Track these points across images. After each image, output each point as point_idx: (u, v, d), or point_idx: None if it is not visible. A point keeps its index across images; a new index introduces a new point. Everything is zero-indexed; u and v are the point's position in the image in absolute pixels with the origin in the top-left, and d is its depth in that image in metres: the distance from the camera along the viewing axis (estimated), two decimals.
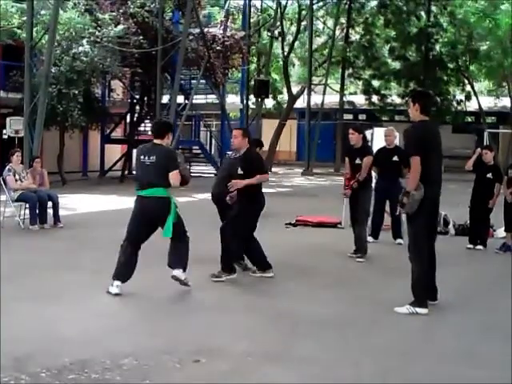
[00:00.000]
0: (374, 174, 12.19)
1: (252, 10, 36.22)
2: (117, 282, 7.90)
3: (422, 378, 5.39)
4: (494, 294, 8.39)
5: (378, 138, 18.68)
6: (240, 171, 8.74)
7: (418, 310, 7.22)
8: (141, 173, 8.08)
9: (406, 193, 7.20)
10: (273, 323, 6.86)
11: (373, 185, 11.79)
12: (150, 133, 25.54)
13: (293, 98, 38.82)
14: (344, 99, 38.39)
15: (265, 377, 5.31)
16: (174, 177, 7.86)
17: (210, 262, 9.24)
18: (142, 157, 8.00)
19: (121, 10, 25.02)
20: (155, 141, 8.12)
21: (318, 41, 41.99)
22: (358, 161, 10.68)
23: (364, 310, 7.41)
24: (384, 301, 7.58)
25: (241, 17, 35.41)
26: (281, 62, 40.57)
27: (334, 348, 6.08)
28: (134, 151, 21.58)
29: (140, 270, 7.98)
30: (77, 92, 22.28)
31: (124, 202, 16.01)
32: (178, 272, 8.00)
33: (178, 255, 8.09)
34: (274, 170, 35.94)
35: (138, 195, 8.05)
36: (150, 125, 28.98)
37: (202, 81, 29.91)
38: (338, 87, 38.51)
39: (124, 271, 7.96)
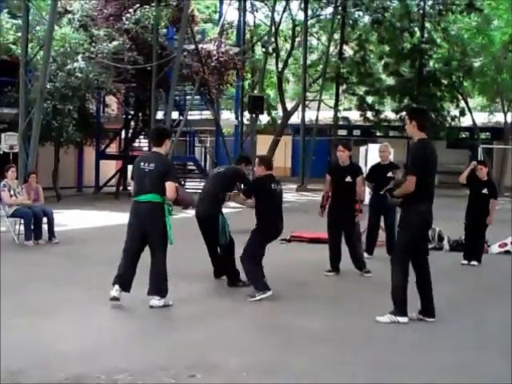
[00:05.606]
0: (368, 189, 12.22)
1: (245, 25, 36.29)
2: (116, 287, 7.92)
3: None
4: (489, 307, 8.39)
5: (372, 153, 18.71)
6: None
7: (399, 318, 7.37)
8: (139, 179, 8.00)
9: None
10: (268, 338, 6.85)
11: (367, 201, 11.83)
12: (145, 148, 25.52)
13: (287, 114, 38.87)
14: (338, 115, 38.45)
15: None
16: (169, 187, 7.77)
17: (204, 278, 9.23)
18: (141, 163, 7.99)
19: (116, 26, 25.06)
20: (154, 149, 8.16)
21: (312, 57, 42.10)
22: (348, 179, 10.42)
23: (360, 324, 7.40)
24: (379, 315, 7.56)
25: (235, 33, 35.46)
26: (275, 78, 40.65)
27: (330, 362, 6.07)
28: (130, 167, 21.52)
29: (134, 286, 7.97)
30: (72, 108, 22.25)
31: (119, 218, 15.99)
32: (153, 302, 7.89)
33: (153, 280, 7.95)
34: None
35: (134, 201, 8.00)
36: (144, 141, 28.87)
37: (196, 97, 29.93)
38: (332, 103, 38.57)
39: (123, 280, 7.97)
